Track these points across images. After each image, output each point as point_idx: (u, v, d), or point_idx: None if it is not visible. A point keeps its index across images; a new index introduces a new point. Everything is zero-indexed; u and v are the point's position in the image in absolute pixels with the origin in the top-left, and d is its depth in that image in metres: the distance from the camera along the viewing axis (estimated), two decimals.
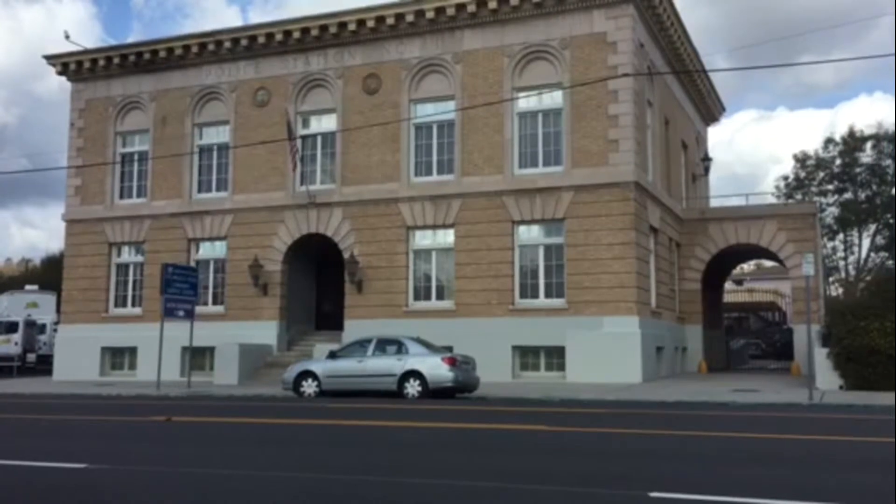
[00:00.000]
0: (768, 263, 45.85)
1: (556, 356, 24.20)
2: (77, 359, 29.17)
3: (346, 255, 26.60)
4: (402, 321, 24.91)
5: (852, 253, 50.87)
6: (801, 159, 50.94)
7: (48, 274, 50.12)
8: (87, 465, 8.37)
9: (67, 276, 30.82)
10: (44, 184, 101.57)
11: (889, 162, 48.27)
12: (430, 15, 26.04)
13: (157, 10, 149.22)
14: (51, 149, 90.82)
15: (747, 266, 54.43)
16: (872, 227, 49.84)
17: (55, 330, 33.32)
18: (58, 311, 34.82)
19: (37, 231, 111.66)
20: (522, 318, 24.41)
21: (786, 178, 51.40)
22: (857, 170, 49.03)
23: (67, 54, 30.95)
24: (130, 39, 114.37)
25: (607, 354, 22.95)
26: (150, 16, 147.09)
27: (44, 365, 33.44)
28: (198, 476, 7.91)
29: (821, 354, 20.53)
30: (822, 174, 50.32)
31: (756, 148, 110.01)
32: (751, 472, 8.04)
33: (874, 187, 48.97)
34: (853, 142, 49.14)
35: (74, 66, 30.98)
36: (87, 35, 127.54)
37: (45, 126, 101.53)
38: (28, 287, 42.45)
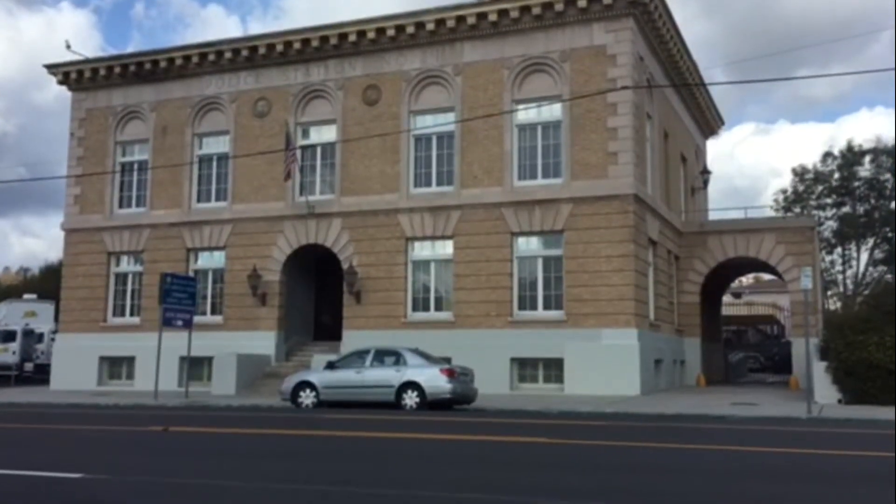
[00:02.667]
0: (767, 277, 45.94)
1: (554, 368, 24.17)
2: (75, 368, 29.10)
3: (345, 266, 26.60)
4: (400, 332, 24.89)
5: (850, 267, 50.94)
6: (800, 173, 51.10)
7: (47, 283, 50.04)
8: (84, 475, 8.34)
9: (66, 285, 30.80)
10: (43, 193, 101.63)
11: (887, 176, 48.41)
12: (430, 27, 26.15)
13: (157, 20, 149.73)
14: (50, 158, 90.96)
15: (746, 279, 54.43)
16: (871, 241, 49.92)
17: (53, 339, 33.24)
18: (56, 320, 34.76)
19: (35, 240, 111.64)
20: (521, 330, 24.39)
21: (784, 191, 51.54)
22: (856, 184, 49.16)
23: (68, 63, 31.03)
24: (130, 49, 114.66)
25: (606, 367, 22.92)
26: (151, 25, 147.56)
27: (41, 374, 33.35)
28: (194, 487, 7.88)
29: (819, 368, 20.51)
30: (820, 188, 50.45)
31: (757, 161, 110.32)
32: (749, 485, 8.02)
33: (872, 201, 49.09)
34: (851, 156, 49.31)
35: (75, 76, 31.05)
36: (88, 44, 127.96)
37: (44, 135, 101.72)
38: (26, 296, 42.39)
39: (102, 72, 30.62)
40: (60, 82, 31.57)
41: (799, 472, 9.00)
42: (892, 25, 61.75)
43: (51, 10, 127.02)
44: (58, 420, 16.52)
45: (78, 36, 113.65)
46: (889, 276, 47.73)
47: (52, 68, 31.45)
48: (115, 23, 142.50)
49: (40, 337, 37.29)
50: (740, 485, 8.08)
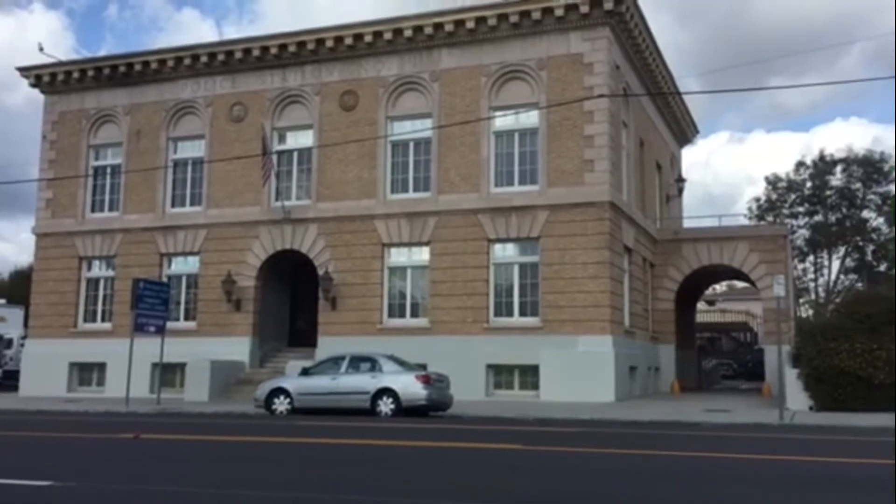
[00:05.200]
0: (740, 284, 46.33)
1: (529, 375, 24.20)
2: (44, 374, 28.68)
3: (320, 272, 26.47)
4: (376, 338, 24.81)
5: (822, 275, 51.60)
6: (773, 181, 51.74)
7: (16, 288, 49.30)
8: (53, 483, 8.20)
9: (36, 290, 30.37)
10: (13, 196, 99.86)
11: (858, 185, 49.17)
12: (407, 33, 26.16)
13: (130, 22, 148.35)
14: (20, 161, 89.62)
15: (720, 287, 54.96)
16: (842, 250, 50.63)
17: (22, 345, 32.74)
18: (25, 325, 34.24)
19: (5, 244, 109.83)
20: (497, 337, 24.40)
21: (758, 199, 52.16)
22: (828, 193, 49.85)
23: (41, 66, 30.68)
24: (103, 51, 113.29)
25: (581, 373, 22.98)
26: (124, 28, 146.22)
27: (10, 380, 32.77)
28: (166, 494, 7.78)
29: (791, 375, 20.72)
30: (793, 196, 51.10)
31: (732, 169, 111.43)
32: (723, 490, 8.06)
33: (844, 210, 49.80)
34: (824, 165, 50.02)
35: (48, 79, 30.71)
36: (60, 46, 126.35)
37: (13, 138, 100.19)
38: None
39: (76, 74, 30.29)
40: (33, 85, 31.20)
41: (769, 477, 9.06)
42: (885, 33, 62.64)
43: (22, 12, 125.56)
44: (26, 427, 16.25)
45: (50, 38, 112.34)
46: (860, 285, 48.40)
47: (24, 71, 31.08)
48: (87, 25, 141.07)
49: (9, 342, 36.65)
50: (711, 489, 8.12)
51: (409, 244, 26.10)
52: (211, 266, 27.88)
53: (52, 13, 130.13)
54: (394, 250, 26.38)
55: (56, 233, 30.13)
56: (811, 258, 51.53)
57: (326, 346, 25.29)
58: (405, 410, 18.71)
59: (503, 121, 25.51)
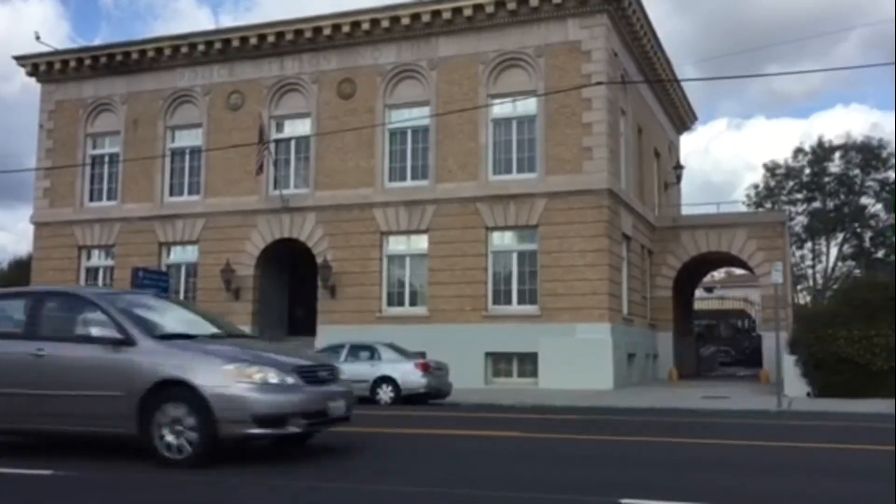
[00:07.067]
0: (738, 271, 46.41)
1: (528, 363, 24.27)
2: None
3: (319, 260, 26.50)
4: (375, 327, 24.86)
5: (820, 262, 51.68)
6: (771, 168, 51.73)
7: (15, 277, 49.25)
8: (54, 472, 8.24)
9: (35, 279, 30.37)
10: (10, 186, 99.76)
11: (857, 172, 49.18)
12: (405, 21, 26.08)
13: (126, 11, 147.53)
14: (17, 151, 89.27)
15: (718, 274, 55.06)
16: (840, 237, 50.69)
17: None
18: None
19: (4, 234, 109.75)
20: (495, 325, 24.45)
21: (756, 186, 52.18)
22: (826, 179, 49.85)
23: (38, 55, 30.58)
24: (99, 40, 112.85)
25: (579, 361, 23.05)
26: (120, 16, 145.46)
27: None
28: (167, 482, 7.82)
29: (789, 362, 20.79)
30: (791, 183, 51.12)
31: (732, 156, 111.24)
32: (720, 478, 8.11)
33: (842, 197, 49.82)
34: (822, 152, 49.99)
35: (45, 67, 30.62)
36: (55, 34, 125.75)
37: (10, 127, 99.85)
38: None
39: (73, 63, 30.20)
40: (30, 74, 31.11)
41: (766, 463, 9.11)
42: (883, 20, 62.52)
43: (17, 0, 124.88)
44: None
45: (45, 26, 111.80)
46: (857, 271, 48.50)
47: (21, 59, 30.99)
48: (83, 12, 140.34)
49: None
50: (709, 476, 8.18)
51: (408, 232, 26.12)
52: (210, 255, 27.90)
53: (47, 1, 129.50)
54: (392, 238, 26.40)
55: (54, 222, 30.13)
56: (809, 245, 51.60)
57: (325, 334, 25.35)
58: (404, 398, 18.79)
59: (501, 109, 25.47)
